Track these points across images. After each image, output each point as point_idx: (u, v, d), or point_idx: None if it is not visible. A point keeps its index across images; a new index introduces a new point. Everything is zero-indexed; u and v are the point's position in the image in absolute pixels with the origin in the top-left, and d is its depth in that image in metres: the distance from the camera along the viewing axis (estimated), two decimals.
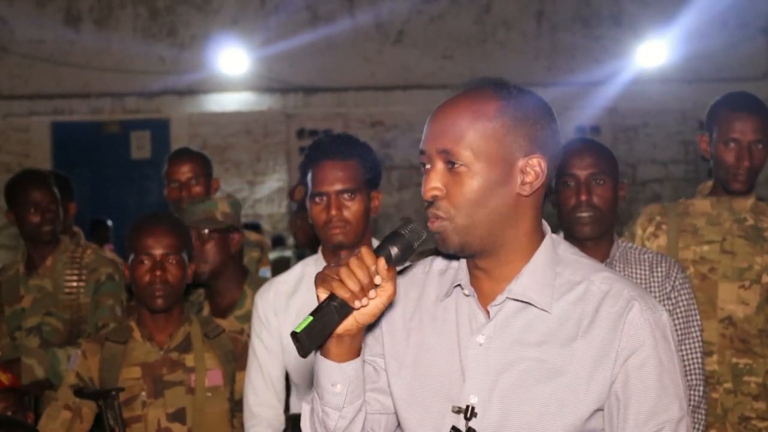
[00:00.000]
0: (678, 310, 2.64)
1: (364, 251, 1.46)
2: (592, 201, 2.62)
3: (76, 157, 9.27)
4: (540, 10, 9.39)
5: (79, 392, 2.72)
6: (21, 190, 3.57)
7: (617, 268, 2.64)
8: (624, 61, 9.03)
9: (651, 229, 3.03)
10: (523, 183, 1.52)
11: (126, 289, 3.55)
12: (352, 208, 2.52)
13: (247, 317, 3.19)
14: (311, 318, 1.44)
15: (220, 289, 3.29)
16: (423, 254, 2.74)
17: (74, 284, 3.56)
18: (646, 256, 2.70)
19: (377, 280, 1.45)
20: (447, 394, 1.55)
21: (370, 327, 1.64)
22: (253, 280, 3.37)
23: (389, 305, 1.53)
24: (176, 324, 2.83)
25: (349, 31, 9.26)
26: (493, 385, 1.52)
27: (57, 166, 8.82)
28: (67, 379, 2.80)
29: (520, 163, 1.51)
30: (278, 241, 8.43)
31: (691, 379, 2.62)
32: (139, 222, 2.85)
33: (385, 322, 1.65)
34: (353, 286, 1.44)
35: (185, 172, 3.78)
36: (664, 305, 2.64)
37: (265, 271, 3.87)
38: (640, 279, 2.66)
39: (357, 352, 1.55)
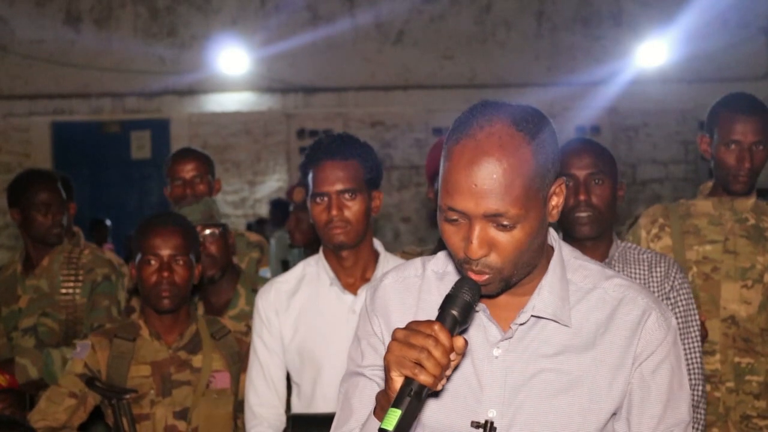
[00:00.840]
0: (677, 310, 2.65)
1: (439, 330, 1.37)
2: (590, 201, 2.62)
3: (76, 157, 9.28)
4: (540, 10, 9.40)
5: (91, 383, 2.70)
6: (29, 190, 3.55)
7: (616, 268, 2.64)
8: (624, 61, 9.04)
9: (655, 230, 3.04)
10: (551, 210, 1.50)
11: (129, 288, 3.55)
12: (353, 209, 2.52)
13: (241, 317, 3.19)
14: (399, 411, 1.36)
15: (214, 288, 3.29)
16: (422, 255, 2.75)
17: (70, 285, 3.54)
18: (644, 256, 2.71)
19: (453, 356, 1.38)
20: (464, 409, 1.54)
21: (369, 339, 1.64)
22: (246, 279, 3.37)
23: None
24: (183, 324, 2.82)
25: (349, 31, 9.26)
26: (512, 398, 1.51)
27: (57, 166, 8.83)
28: (73, 367, 2.75)
29: (550, 193, 1.49)
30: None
31: (691, 379, 2.63)
32: (147, 222, 2.83)
33: (386, 334, 1.62)
34: (436, 371, 1.36)
35: (190, 170, 3.77)
36: None
37: (265, 271, 3.87)
38: (639, 279, 2.66)
39: None
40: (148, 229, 2.78)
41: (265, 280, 3.30)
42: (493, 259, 1.44)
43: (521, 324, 1.53)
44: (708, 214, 3.02)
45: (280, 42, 8.99)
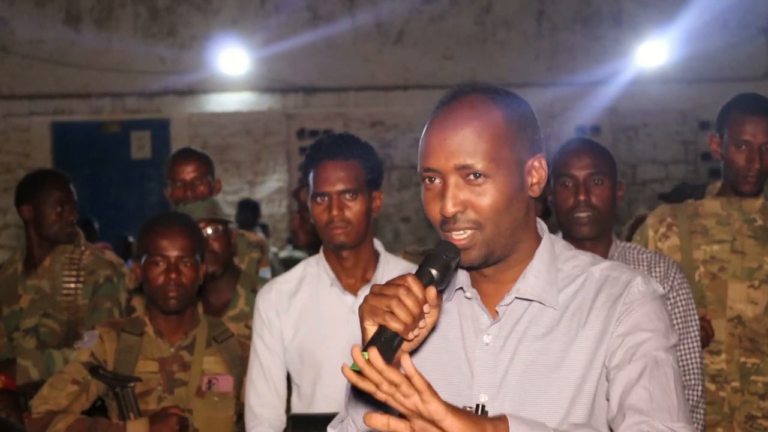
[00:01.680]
0: (677, 310, 2.65)
1: (411, 280, 1.42)
2: (590, 201, 2.62)
3: (76, 157, 9.27)
4: (540, 10, 9.39)
5: (95, 371, 2.69)
6: (45, 188, 3.57)
7: None
8: (624, 61, 9.04)
9: (662, 230, 3.05)
10: (531, 185, 1.55)
11: (130, 288, 3.55)
12: (353, 209, 2.52)
13: (240, 317, 3.19)
14: (366, 354, 1.39)
15: (214, 289, 3.29)
16: (423, 255, 2.75)
17: (72, 286, 3.55)
18: (644, 256, 2.71)
19: (426, 308, 1.42)
20: (457, 396, 1.55)
21: None
22: (246, 280, 3.37)
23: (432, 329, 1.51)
24: (188, 325, 2.82)
25: (349, 31, 9.26)
26: (502, 381, 1.53)
27: (57, 166, 8.82)
28: (79, 355, 2.74)
29: (528, 165, 1.54)
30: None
31: (690, 379, 2.63)
32: (153, 222, 2.83)
33: None
34: (406, 317, 1.40)
35: (190, 171, 3.78)
36: None
37: (266, 271, 3.87)
38: None
39: None
40: (154, 229, 2.77)
41: (265, 281, 3.30)
42: (471, 215, 1.49)
43: (506, 305, 1.56)
44: (716, 214, 3.02)
45: (280, 42, 8.99)
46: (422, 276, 1.45)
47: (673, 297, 2.66)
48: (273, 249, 7.09)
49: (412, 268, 1.55)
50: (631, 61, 9.04)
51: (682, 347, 2.64)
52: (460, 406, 1.52)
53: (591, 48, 9.33)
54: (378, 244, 2.69)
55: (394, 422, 1.26)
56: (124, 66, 9.18)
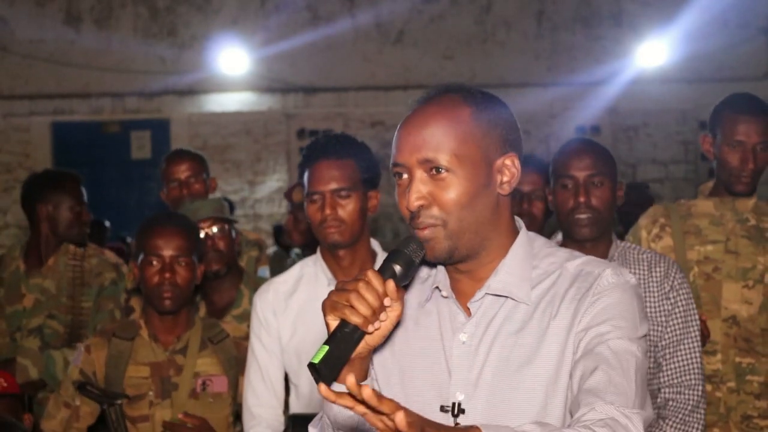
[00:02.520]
0: (677, 310, 2.64)
1: (371, 274, 1.44)
2: (590, 202, 2.62)
3: (76, 157, 9.26)
4: (540, 10, 9.39)
5: (82, 388, 2.70)
6: (64, 189, 3.60)
7: None
8: (624, 61, 9.03)
9: (655, 230, 3.05)
10: (501, 183, 1.57)
11: (128, 288, 3.56)
12: (347, 208, 2.52)
13: (244, 317, 3.19)
14: (327, 347, 1.42)
15: (217, 288, 3.29)
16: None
17: (77, 289, 3.55)
18: (644, 256, 2.70)
19: (387, 302, 1.44)
20: (436, 395, 1.57)
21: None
22: (249, 279, 3.37)
23: (397, 324, 1.52)
24: (183, 326, 2.82)
25: (349, 31, 9.26)
26: (478, 379, 1.54)
27: (57, 166, 8.82)
28: (70, 374, 2.77)
29: (498, 163, 1.56)
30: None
31: (691, 379, 2.62)
32: (149, 222, 2.83)
33: None
34: (365, 311, 1.42)
35: (184, 170, 3.79)
36: (663, 305, 2.64)
37: (264, 270, 3.88)
38: (639, 279, 2.66)
39: (366, 374, 1.55)
40: (150, 229, 2.77)
41: (263, 280, 3.30)
42: (435, 210, 1.52)
43: (478, 301, 1.57)
44: (709, 215, 3.02)
45: (280, 42, 8.98)
46: (384, 270, 1.47)
47: (674, 297, 2.65)
48: (272, 248, 7.09)
49: None
50: (631, 61, 9.03)
51: (682, 347, 2.64)
52: (438, 405, 1.55)
53: (591, 48, 9.33)
54: (375, 244, 2.69)
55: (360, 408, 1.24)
56: (124, 66, 9.18)
